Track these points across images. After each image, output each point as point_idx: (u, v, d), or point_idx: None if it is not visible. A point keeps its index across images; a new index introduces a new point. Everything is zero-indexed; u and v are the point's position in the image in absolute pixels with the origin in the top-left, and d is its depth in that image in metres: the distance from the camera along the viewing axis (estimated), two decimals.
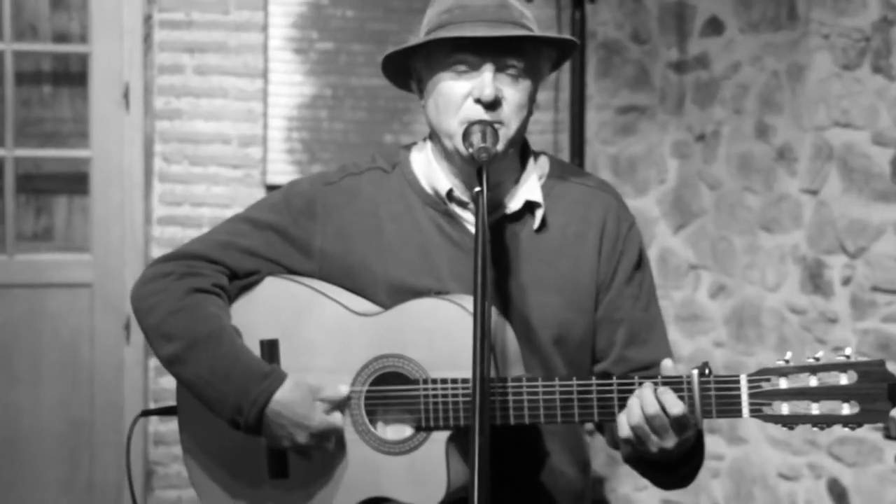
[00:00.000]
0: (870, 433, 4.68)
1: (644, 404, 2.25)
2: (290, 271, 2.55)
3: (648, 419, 2.25)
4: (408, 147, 2.61)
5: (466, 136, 2.37)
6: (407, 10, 5.46)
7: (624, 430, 2.29)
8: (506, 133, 2.41)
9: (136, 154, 5.30)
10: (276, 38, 5.35)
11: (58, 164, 5.44)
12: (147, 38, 5.27)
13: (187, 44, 5.25)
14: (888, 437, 4.13)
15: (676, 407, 2.24)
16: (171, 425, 5.17)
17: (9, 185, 5.24)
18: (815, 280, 4.88)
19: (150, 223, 5.28)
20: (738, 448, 5.19)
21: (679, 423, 2.25)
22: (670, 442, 2.27)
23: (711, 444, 5.23)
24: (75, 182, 5.38)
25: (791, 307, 4.98)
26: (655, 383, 2.28)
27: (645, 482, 5.50)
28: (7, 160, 5.23)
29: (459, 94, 2.40)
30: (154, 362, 5.22)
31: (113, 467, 5.26)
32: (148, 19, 5.26)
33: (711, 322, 5.32)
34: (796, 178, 4.94)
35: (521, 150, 2.54)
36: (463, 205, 2.50)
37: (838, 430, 4.71)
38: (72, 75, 5.42)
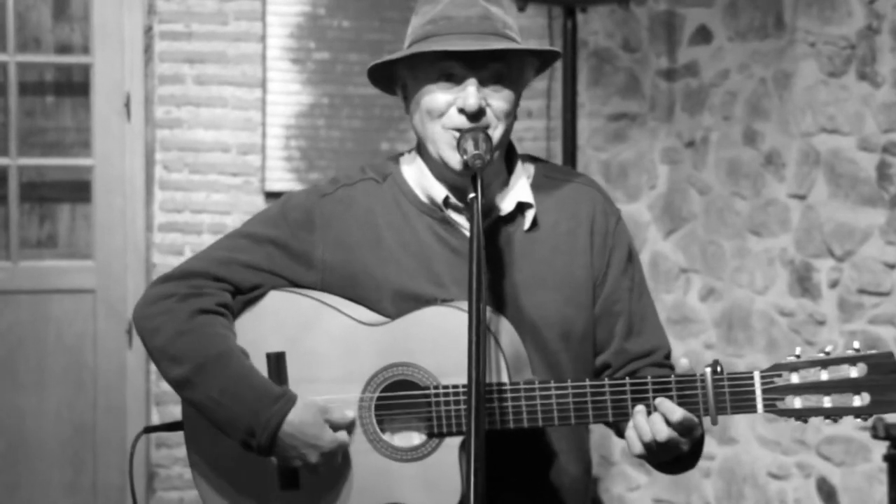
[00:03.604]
0: (858, 433, 4.72)
1: (640, 434, 2.30)
2: (293, 284, 2.52)
3: (647, 446, 2.30)
4: (395, 159, 2.61)
5: (459, 143, 2.39)
6: (402, 21, 5.36)
7: (636, 447, 2.33)
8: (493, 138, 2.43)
9: (138, 162, 5.33)
10: (273, 48, 5.38)
11: (61, 173, 5.46)
12: (148, 49, 5.30)
13: (187, 54, 5.29)
14: (875, 436, 4.16)
15: (676, 413, 2.28)
16: None
17: (13, 193, 5.26)
18: (803, 283, 4.92)
19: (152, 230, 5.30)
20: (729, 448, 5.21)
21: (683, 428, 2.29)
22: (679, 448, 2.31)
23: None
24: (78, 190, 5.40)
25: (780, 310, 5.02)
26: (668, 385, 2.31)
27: (638, 482, 5.54)
28: (11, 169, 5.25)
29: (444, 102, 2.42)
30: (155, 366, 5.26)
31: (116, 470, 5.28)
32: (148, 30, 5.30)
33: (702, 324, 5.35)
34: (784, 184, 4.99)
35: (508, 154, 2.56)
36: (459, 210, 2.50)
37: (826, 430, 4.79)
38: (74, 86, 5.44)
